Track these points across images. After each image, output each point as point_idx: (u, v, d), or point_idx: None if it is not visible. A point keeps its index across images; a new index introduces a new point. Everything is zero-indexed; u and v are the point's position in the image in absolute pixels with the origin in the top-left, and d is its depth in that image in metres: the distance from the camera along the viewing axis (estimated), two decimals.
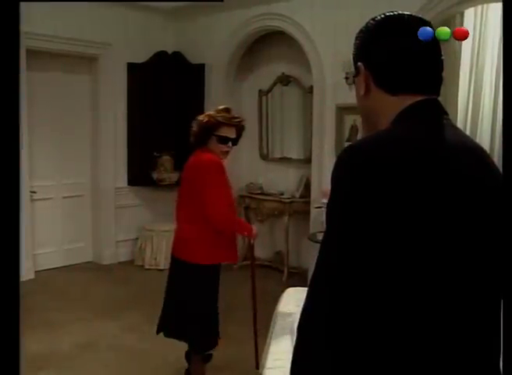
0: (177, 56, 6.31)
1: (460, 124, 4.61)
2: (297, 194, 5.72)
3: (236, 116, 3.22)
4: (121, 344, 3.96)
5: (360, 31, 1.18)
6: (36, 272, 5.54)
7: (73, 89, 5.91)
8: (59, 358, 3.72)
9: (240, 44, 5.95)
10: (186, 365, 3.34)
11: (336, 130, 5.13)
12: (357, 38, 1.19)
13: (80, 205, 6.13)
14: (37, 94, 5.49)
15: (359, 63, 1.16)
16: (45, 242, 5.75)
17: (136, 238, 6.26)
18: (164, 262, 5.89)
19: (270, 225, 6.16)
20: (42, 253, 5.71)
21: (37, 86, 5.47)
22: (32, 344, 3.78)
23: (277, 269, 5.81)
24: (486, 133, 4.79)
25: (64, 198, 5.95)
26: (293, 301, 3.05)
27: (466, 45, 4.70)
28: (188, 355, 3.32)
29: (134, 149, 6.24)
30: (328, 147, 5.20)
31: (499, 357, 1.07)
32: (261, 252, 5.89)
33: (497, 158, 4.22)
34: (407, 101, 1.10)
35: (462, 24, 4.64)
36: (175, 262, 3.20)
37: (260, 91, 6.24)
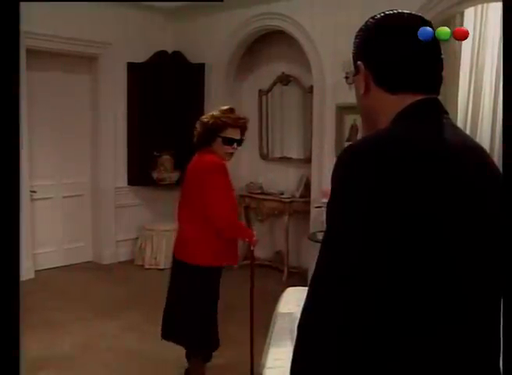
0: (177, 56, 6.31)
1: (460, 124, 4.61)
2: (297, 194, 5.72)
3: (241, 116, 3.20)
4: (121, 344, 3.96)
5: (360, 30, 1.18)
6: (36, 271, 5.54)
7: (73, 89, 5.91)
8: (59, 357, 3.72)
9: (240, 44, 5.95)
10: (185, 365, 3.34)
11: (336, 129, 5.13)
12: (356, 37, 1.18)
13: (79, 205, 6.13)
14: (37, 94, 5.48)
15: (358, 62, 1.16)
16: (45, 242, 5.75)
17: (137, 238, 6.26)
18: (164, 261, 5.90)
19: (270, 225, 6.16)
20: (42, 253, 5.72)
21: (37, 85, 5.47)
22: (32, 343, 3.78)
23: (277, 269, 5.81)
24: (486, 133, 4.79)
25: (64, 197, 5.95)
26: (293, 300, 3.05)
27: (466, 45, 4.70)
28: (188, 355, 3.32)
29: (134, 149, 6.24)
30: (328, 146, 5.20)
31: (499, 357, 1.07)
32: (261, 252, 5.88)
33: (497, 157, 4.22)
34: (407, 100, 1.09)
35: (462, 24, 4.64)
36: (176, 263, 3.20)
37: (260, 90, 6.24)
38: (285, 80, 6.00)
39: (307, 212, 5.44)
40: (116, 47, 5.94)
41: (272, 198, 5.81)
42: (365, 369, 0.98)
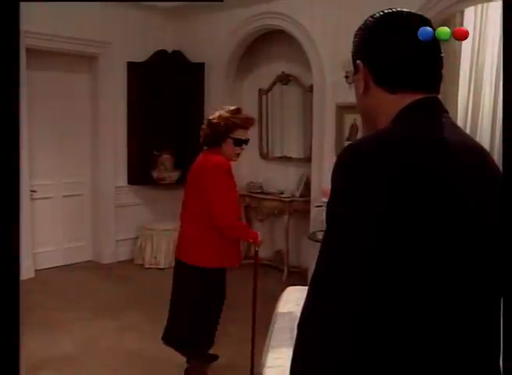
0: (177, 55, 6.31)
1: (460, 123, 4.60)
2: (297, 193, 5.72)
3: (250, 117, 3.22)
4: (121, 344, 3.96)
5: (359, 29, 1.17)
6: (36, 271, 5.54)
7: (73, 88, 5.90)
8: (59, 357, 3.72)
9: (240, 43, 5.94)
10: (185, 364, 3.34)
11: (336, 129, 5.13)
12: (355, 36, 1.18)
13: (79, 204, 6.13)
14: (37, 93, 5.48)
15: (358, 61, 1.15)
16: (45, 241, 5.76)
17: (136, 237, 6.26)
18: (164, 261, 5.91)
19: (270, 224, 6.16)
20: (42, 252, 5.72)
21: (37, 85, 5.47)
22: (32, 343, 3.78)
23: (277, 268, 5.82)
24: (486, 133, 4.79)
25: (64, 197, 5.95)
26: (293, 300, 3.05)
27: (466, 44, 4.69)
28: (188, 357, 3.32)
29: (134, 148, 6.23)
30: (328, 146, 5.20)
31: (499, 357, 1.06)
32: (261, 251, 5.83)
33: (497, 157, 4.22)
34: (407, 99, 1.09)
35: (462, 23, 4.64)
36: (177, 263, 3.20)
37: (260, 90, 6.24)
38: (285, 79, 6.00)
39: (307, 212, 5.44)
40: (116, 46, 5.94)
41: (272, 197, 5.82)
42: (365, 368, 0.98)
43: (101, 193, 6.12)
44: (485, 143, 4.61)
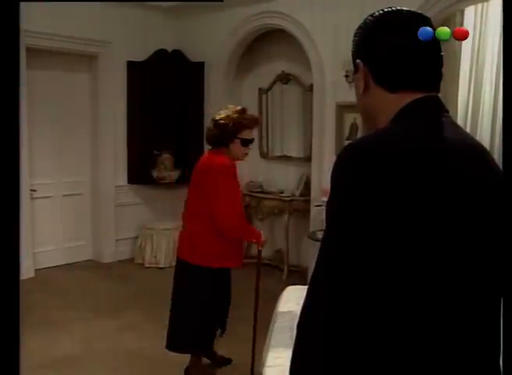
0: (177, 54, 6.31)
1: (460, 122, 4.60)
2: (297, 193, 5.72)
3: (256, 117, 3.27)
4: (121, 343, 3.96)
5: (359, 28, 1.17)
6: (36, 270, 5.54)
7: (73, 87, 5.90)
8: (59, 356, 3.72)
9: (240, 43, 5.94)
10: (186, 363, 3.35)
11: (336, 128, 5.13)
12: (355, 35, 1.17)
13: (80, 204, 6.13)
14: (37, 92, 5.48)
15: (357, 60, 1.15)
16: (45, 240, 5.75)
17: (136, 237, 6.26)
18: (164, 260, 5.91)
19: (270, 223, 6.16)
20: (42, 251, 5.71)
21: (37, 84, 5.47)
22: (32, 342, 3.78)
23: (277, 268, 5.82)
24: (486, 132, 4.78)
25: (64, 196, 5.95)
26: (293, 299, 3.06)
27: (466, 44, 4.68)
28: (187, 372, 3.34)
29: (134, 147, 6.23)
30: (328, 145, 5.20)
31: (499, 357, 1.06)
32: (261, 250, 5.87)
33: (497, 156, 4.22)
34: (407, 98, 1.09)
35: (462, 22, 4.63)
36: (178, 262, 3.21)
37: (260, 89, 6.23)
38: (285, 78, 5.99)
39: (307, 211, 5.44)
40: (116, 45, 5.94)
41: (272, 196, 5.81)
42: (364, 366, 0.98)
43: (101, 192, 6.12)
44: (485, 142, 4.61)
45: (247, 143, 3.12)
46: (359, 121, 4.86)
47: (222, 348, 3.48)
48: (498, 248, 1.04)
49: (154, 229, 6.09)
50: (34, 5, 4.99)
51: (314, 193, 5.34)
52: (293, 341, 1.03)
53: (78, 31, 5.56)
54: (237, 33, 5.84)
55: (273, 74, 6.06)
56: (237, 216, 3.04)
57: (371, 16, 1.15)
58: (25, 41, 4.90)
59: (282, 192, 5.79)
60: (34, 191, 5.50)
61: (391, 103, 1.10)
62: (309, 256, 5.28)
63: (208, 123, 6.02)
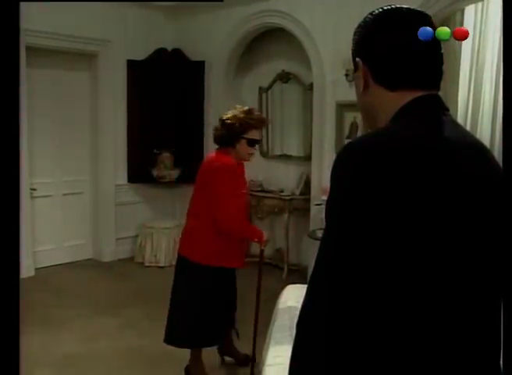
0: (177, 53, 6.31)
1: (460, 122, 4.55)
2: (297, 192, 5.72)
3: (263, 117, 3.27)
4: (121, 341, 3.96)
5: (359, 26, 1.16)
6: (36, 269, 5.54)
7: (73, 86, 5.89)
8: (59, 355, 3.72)
9: (240, 41, 5.94)
10: (186, 361, 3.35)
11: (336, 127, 5.13)
12: (355, 33, 1.17)
13: (80, 203, 6.13)
14: (37, 91, 5.48)
15: (357, 59, 1.14)
16: (45, 239, 5.75)
17: (136, 235, 6.26)
18: (164, 259, 5.91)
19: (270, 222, 6.16)
20: (42, 250, 5.71)
21: (37, 83, 5.47)
22: (32, 341, 3.78)
23: (277, 267, 5.82)
24: (486, 132, 4.78)
25: (64, 195, 5.95)
26: (293, 298, 3.06)
27: (466, 43, 4.68)
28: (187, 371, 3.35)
29: (134, 146, 6.23)
30: (328, 144, 5.20)
31: (500, 357, 1.06)
32: (264, 250, 5.87)
33: (497, 155, 4.20)
34: (407, 97, 1.09)
35: (462, 21, 4.62)
36: (178, 258, 3.23)
37: (260, 88, 6.23)
38: (285, 77, 5.99)
39: (307, 210, 5.44)
40: (116, 44, 5.93)
41: (272, 195, 5.81)
42: (364, 366, 0.98)
43: (101, 191, 6.12)
44: (485, 142, 4.60)
45: (253, 143, 3.12)
46: (359, 120, 4.86)
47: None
48: (498, 245, 1.03)
49: (154, 228, 6.09)
50: (34, 4, 4.99)
51: (314, 192, 5.34)
52: (293, 340, 1.03)
53: (78, 30, 5.55)
54: (237, 32, 5.84)
55: (273, 73, 6.06)
56: (238, 216, 3.04)
57: (371, 14, 1.14)
58: (25, 39, 4.90)
59: (282, 191, 5.79)
60: (34, 189, 5.50)
61: (391, 102, 1.10)
62: (309, 255, 5.28)
63: (207, 121, 6.08)
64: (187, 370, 3.35)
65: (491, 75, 4.75)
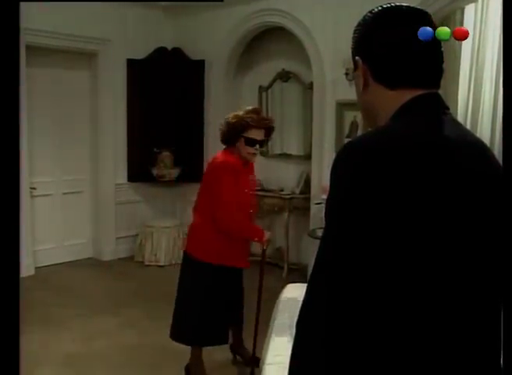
0: (177, 52, 6.30)
1: (460, 120, 4.57)
2: (297, 191, 5.72)
3: (266, 117, 3.24)
4: (121, 340, 3.96)
5: (358, 25, 1.16)
6: (36, 268, 5.55)
7: (73, 85, 5.89)
8: (59, 354, 3.72)
9: (240, 40, 5.94)
10: (186, 360, 3.35)
11: (336, 126, 5.13)
12: (355, 32, 1.16)
13: (79, 202, 6.13)
14: (37, 90, 5.47)
15: (357, 57, 1.14)
16: (45, 238, 5.75)
17: (136, 234, 6.26)
18: (164, 258, 5.91)
19: (270, 221, 6.15)
20: (42, 249, 5.72)
21: (37, 82, 5.46)
22: (32, 340, 3.78)
23: (277, 266, 5.81)
24: (486, 131, 4.78)
25: (64, 194, 5.95)
26: (292, 297, 3.06)
27: (466, 42, 4.67)
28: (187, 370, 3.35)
29: (134, 145, 6.23)
30: (328, 143, 5.20)
31: (500, 357, 1.06)
32: (266, 250, 5.88)
33: (497, 154, 4.20)
34: (407, 95, 1.08)
35: (462, 20, 4.62)
36: (184, 255, 3.25)
37: (260, 87, 6.22)
38: (285, 76, 5.99)
39: (307, 209, 5.44)
40: (116, 43, 5.93)
41: (272, 194, 5.81)
42: (364, 365, 0.98)
43: (101, 190, 6.12)
44: (486, 140, 4.61)
45: (251, 142, 3.08)
46: (359, 119, 4.86)
47: (222, 347, 3.47)
48: (498, 243, 1.03)
49: (154, 227, 6.09)
50: (34, 3, 4.99)
51: (314, 191, 5.34)
52: (293, 339, 1.03)
53: (78, 29, 5.55)
54: (237, 31, 5.84)
55: (273, 72, 6.06)
56: (237, 215, 3.04)
57: (370, 12, 1.14)
58: (25, 38, 4.90)
59: (282, 190, 5.79)
60: (34, 189, 5.50)
61: (391, 100, 1.10)
62: (309, 254, 5.28)
63: (207, 120, 6.08)
64: (187, 369, 3.35)
65: (491, 74, 4.75)
